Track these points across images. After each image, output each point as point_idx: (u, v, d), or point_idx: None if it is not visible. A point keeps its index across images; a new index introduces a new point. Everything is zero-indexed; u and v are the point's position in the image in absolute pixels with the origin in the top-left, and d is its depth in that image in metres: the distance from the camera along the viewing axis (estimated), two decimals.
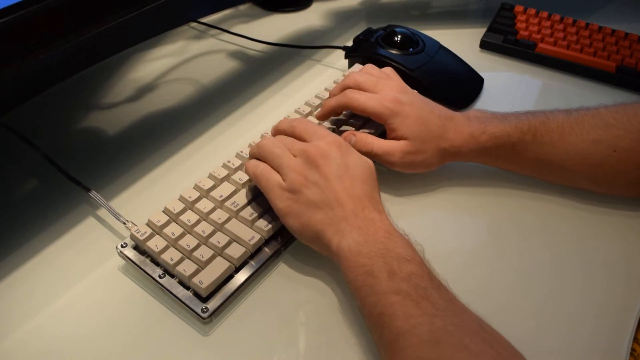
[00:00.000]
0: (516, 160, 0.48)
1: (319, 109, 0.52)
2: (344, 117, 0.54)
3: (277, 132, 0.47)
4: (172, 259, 0.41)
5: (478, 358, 0.31)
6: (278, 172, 0.42)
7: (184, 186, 0.46)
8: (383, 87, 0.50)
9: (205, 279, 0.40)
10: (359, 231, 0.38)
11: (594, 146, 0.46)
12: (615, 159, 0.45)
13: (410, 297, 0.34)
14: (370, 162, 0.43)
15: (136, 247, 0.43)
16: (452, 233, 0.48)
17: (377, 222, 0.39)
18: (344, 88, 0.51)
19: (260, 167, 0.43)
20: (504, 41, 0.71)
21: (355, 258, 0.37)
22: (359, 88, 0.50)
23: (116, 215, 0.46)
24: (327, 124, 0.53)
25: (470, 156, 0.49)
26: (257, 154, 0.44)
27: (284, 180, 0.41)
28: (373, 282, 0.35)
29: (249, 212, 0.44)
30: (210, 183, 0.46)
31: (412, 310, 0.33)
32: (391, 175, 0.50)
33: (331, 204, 0.39)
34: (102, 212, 0.48)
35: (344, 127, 0.52)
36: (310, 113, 0.55)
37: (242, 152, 0.49)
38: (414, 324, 0.32)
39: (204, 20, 0.79)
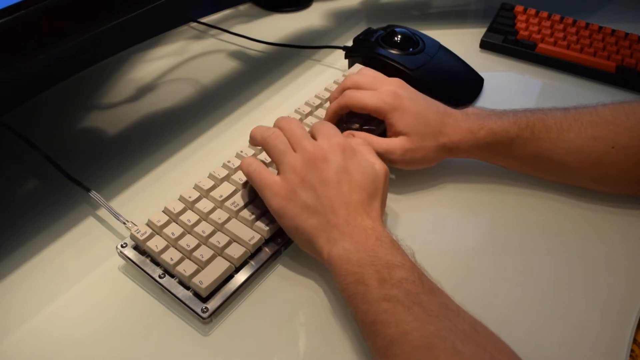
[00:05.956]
0: (515, 157, 0.48)
1: (324, 116, 0.52)
2: (345, 117, 0.54)
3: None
4: (172, 259, 0.41)
5: None
6: (278, 167, 0.42)
7: (184, 186, 0.46)
8: (382, 84, 0.50)
9: (205, 279, 0.40)
10: (350, 239, 0.38)
11: (592, 143, 0.46)
12: (614, 155, 0.45)
13: (401, 304, 0.33)
14: (379, 167, 0.42)
15: (136, 247, 0.43)
16: (453, 230, 0.48)
17: (368, 229, 0.38)
18: (343, 89, 0.52)
19: (254, 166, 0.42)
20: (504, 41, 0.71)
21: (346, 266, 0.37)
22: (358, 88, 0.51)
23: (116, 215, 0.46)
24: None
25: (469, 152, 0.49)
26: (259, 143, 0.44)
27: (281, 177, 0.41)
28: (364, 290, 0.35)
29: (249, 212, 0.44)
30: (210, 183, 0.46)
31: (404, 316, 0.33)
32: (396, 172, 0.50)
33: (325, 210, 0.39)
34: (102, 212, 0.48)
35: (345, 127, 0.53)
36: (310, 113, 0.55)
37: (242, 152, 0.49)
38: (406, 330, 0.32)
39: (204, 20, 0.79)
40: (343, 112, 0.51)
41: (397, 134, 0.48)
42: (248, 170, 0.43)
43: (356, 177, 0.41)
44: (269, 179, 0.41)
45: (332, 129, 0.44)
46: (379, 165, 0.43)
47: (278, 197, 0.40)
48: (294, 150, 0.41)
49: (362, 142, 0.45)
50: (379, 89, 0.49)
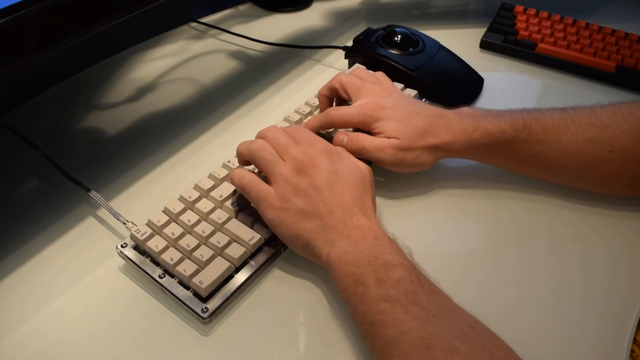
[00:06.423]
0: (511, 158, 0.48)
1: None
2: None
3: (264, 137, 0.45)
4: (172, 259, 0.41)
5: None
6: (269, 178, 0.42)
7: (184, 186, 0.46)
8: (366, 93, 0.50)
9: (205, 279, 0.40)
10: (348, 240, 0.38)
11: (589, 145, 0.46)
12: (611, 159, 0.45)
13: (399, 304, 0.33)
14: (363, 167, 0.43)
15: (136, 247, 0.43)
16: (450, 235, 0.48)
17: (365, 229, 0.38)
18: (330, 89, 0.52)
19: (247, 178, 0.42)
20: (504, 41, 0.71)
21: (344, 267, 0.37)
22: (343, 89, 0.51)
23: (116, 215, 0.46)
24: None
25: (464, 152, 0.48)
26: (247, 157, 0.44)
27: (274, 188, 0.41)
28: (363, 290, 0.35)
29: (249, 212, 0.44)
30: (210, 183, 0.46)
31: (402, 316, 0.33)
32: (387, 177, 0.50)
33: (321, 213, 0.39)
34: (102, 212, 0.48)
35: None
36: (310, 113, 0.55)
37: None
38: (404, 330, 0.32)
39: (204, 20, 0.79)
40: (324, 130, 0.51)
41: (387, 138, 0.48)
42: (241, 183, 0.42)
43: (346, 178, 0.41)
44: (265, 191, 0.41)
45: (311, 135, 0.44)
46: (363, 166, 0.43)
47: (273, 207, 0.40)
48: (282, 159, 0.42)
49: (342, 148, 0.45)
50: (363, 98, 0.49)
